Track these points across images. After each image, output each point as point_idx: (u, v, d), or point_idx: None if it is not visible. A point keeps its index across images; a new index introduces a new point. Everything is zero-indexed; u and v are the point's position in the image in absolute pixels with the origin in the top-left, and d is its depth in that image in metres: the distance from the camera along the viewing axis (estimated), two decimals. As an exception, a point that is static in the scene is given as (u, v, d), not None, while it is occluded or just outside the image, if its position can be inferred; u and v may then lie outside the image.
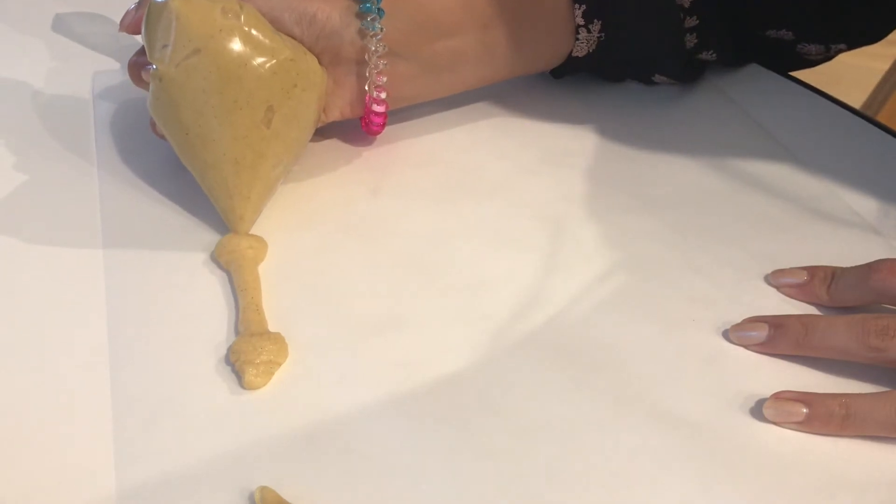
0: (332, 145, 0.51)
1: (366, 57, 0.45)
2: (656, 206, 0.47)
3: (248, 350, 0.37)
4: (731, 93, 0.56)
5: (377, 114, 0.48)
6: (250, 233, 0.44)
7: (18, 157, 0.50)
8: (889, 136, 0.52)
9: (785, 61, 0.57)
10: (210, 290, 0.41)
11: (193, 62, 0.41)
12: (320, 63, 0.45)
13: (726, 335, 0.40)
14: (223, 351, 0.38)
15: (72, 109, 0.54)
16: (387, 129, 0.50)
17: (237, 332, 0.39)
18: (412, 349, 0.39)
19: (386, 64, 0.46)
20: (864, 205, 0.47)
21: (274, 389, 0.37)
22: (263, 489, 0.32)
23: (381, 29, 0.45)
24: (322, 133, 0.51)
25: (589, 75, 0.55)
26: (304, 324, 0.40)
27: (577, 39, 0.51)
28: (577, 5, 0.50)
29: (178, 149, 0.44)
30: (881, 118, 0.85)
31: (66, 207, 0.46)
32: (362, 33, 0.45)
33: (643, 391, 0.37)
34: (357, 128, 0.50)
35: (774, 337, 0.38)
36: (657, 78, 0.55)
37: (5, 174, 0.48)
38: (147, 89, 0.44)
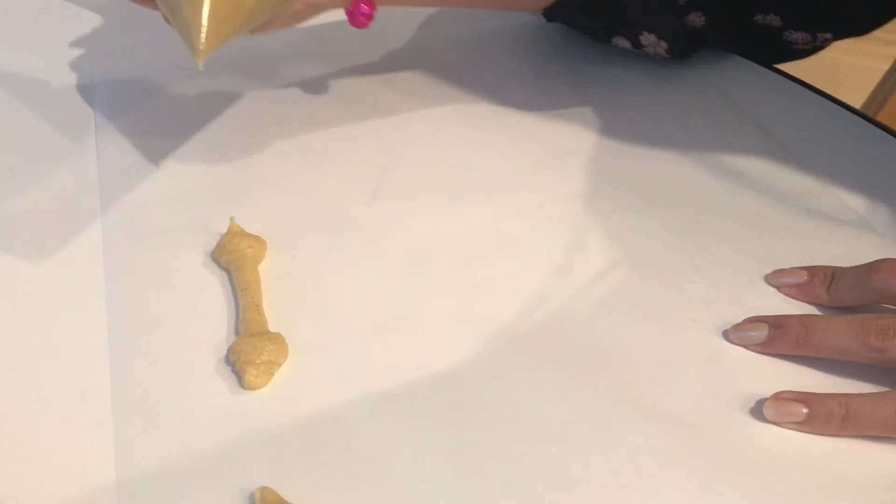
0: (333, 145, 0.51)
1: None
2: (656, 205, 0.47)
3: (249, 350, 0.37)
4: (731, 92, 0.56)
5: (366, 2, 0.48)
6: (250, 232, 0.44)
7: (18, 156, 0.50)
8: (889, 136, 0.52)
9: (772, 50, 0.57)
10: (210, 290, 0.42)
11: None
12: None
13: (726, 335, 0.40)
14: (223, 351, 0.38)
15: (72, 109, 0.54)
16: (387, 129, 0.50)
17: (237, 332, 0.39)
18: (412, 349, 0.39)
19: None
20: (863, 205, 0.47)
21: (274, 389, 0.37)
22: (263, 489, 0.32)
23: None
24: (321, 130, 0.51)
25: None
26: (304, 324, 0.40)
27: None
28: None
29: None
30: (881, 118, 0.85)
31: (67, 208, 0.46)
32: None
33: (643, 391, 0.37)
34: (356, 126, 0.50)
35: (774, 337, 0.38)
36: (645, 39, 0.55)
37: (5, 174, 0.48)
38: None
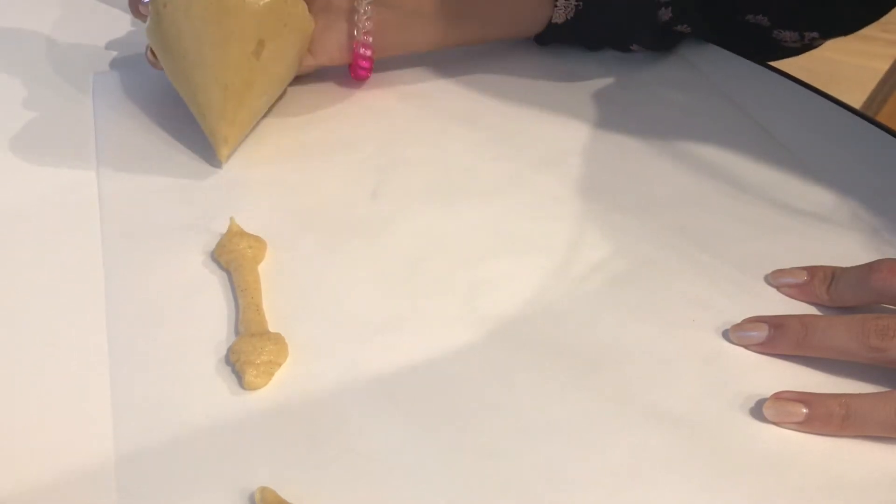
0: (333, 145, 0.51)
1: (355, 4, 0.50)
2: (656, 205, 0.47)
3: (249, 350, 0.37)
4: (732, 93, 0.56)
5: (365, 58, 0.52)
6: (250, 232, 0.44)
7: (18, 156, 0.50)
8: (889, 136, 0.52)
9: (763, 48, 0.59)
10: (210, 290, 0.41)
11: None
12: (310, 10, 0.49)
13: (726, 335, 0.40)
14: (223, 351, 0.38)
15: (72, 109, 0.54)
16: (386, 129, 0.50)
17: (237, 333, 0.39)
18: (412, 349, 0.39)
19: (373, 11, 0.50)
20: (863, 205, 0.47)
21: (274, 389, 0.37)
22: (263, 489, 0.32)
23: None
24: (321, 131, 0.51)
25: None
26: (304, 324, 0.40)
27: (556, 6, 0.55)
28: None
29: (174, 72, 0.48)
30: (881, 118, 0.85)
31: (66, 207, 0.46)
32: None
33: (643, 391, 0.37)
34: (356, 127, 0.50)
35: (774, 337, 0.38)
36: (634, 47, 0.58)
37: (5, 174, 0.48)
38: (141, 18, 0.49)
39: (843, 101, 0.55)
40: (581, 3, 0.55)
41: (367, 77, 0.54)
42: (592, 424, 0.36)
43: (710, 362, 0.38)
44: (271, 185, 0.48)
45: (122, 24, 0.63)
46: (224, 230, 0.44)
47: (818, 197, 0.48)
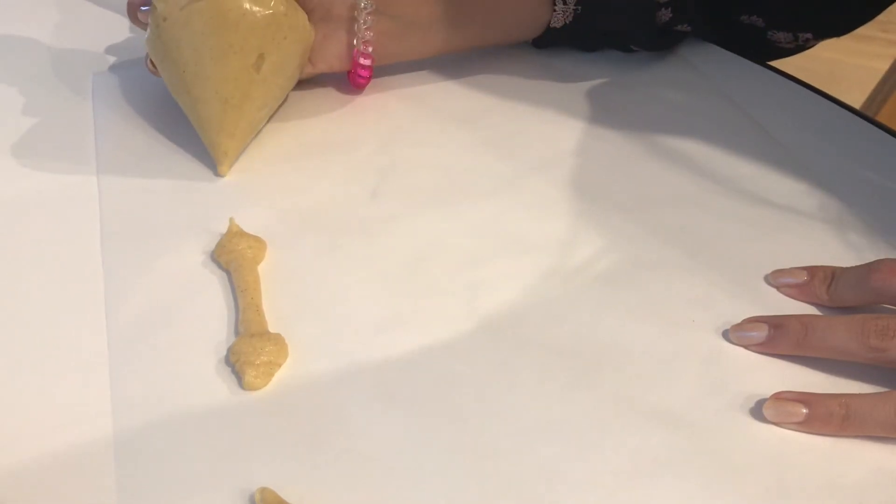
0: (333, 145, 0.51)
1: (355, 14, 0.50)
2: (656, 206, 0.47)
3: (248, 351, 0.37)
4: (731, 93, 0.56)
5: (364, 67, 0.52)
6: (250, 232, 0.44)
7: (18, 157, 0.50)
8: (889, 136, 0.52)
9: (760, 49, 0.59)
10: (210, 290, 0.42)
11: (197, 7, 0.45)
12: (310, 20, 0.49)
13: (726, 335, 0.40)
14: (223, 351, 0.38)
15: (72, 110, 0.54)
16: (386, 129, 0.50)
17: (237, 333, 0.39)
18: (412, 349, 0.39)
19: (372, 21, 0.50)
20: (863, 205, 0.47)
21: (274, 390, 0.37)
22: (263, 490, 0.32)
23: None
24: (321, 131, 0.51)
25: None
26: (304, 324, 0.40)
27: (555, 10, 0.55)
28: None
29: (173, 84, 0.48)
30: (881, 118, 0.85)
31: (66, 207, 0.46)
32: None
33: (643, 391, 0.37)
34: (356, 127, 0.50)
35: (774, 337, 0.38)
36: (634, 47, 0.58)
37: (5, 174, 0.48)
38: (141, 27, 0.49)
39: (843, 101, 0.55)
40: (580, 7, 0.55)
41: (366, 84, 0.54)
42: (592, 424, 0.36)
43: (710, 362, 0.38)
44: (271, 186, 0.48)
45: (122, 25, 0.63)
46: (224, 230, 0.44)
47: (818, 197, 0.48)
